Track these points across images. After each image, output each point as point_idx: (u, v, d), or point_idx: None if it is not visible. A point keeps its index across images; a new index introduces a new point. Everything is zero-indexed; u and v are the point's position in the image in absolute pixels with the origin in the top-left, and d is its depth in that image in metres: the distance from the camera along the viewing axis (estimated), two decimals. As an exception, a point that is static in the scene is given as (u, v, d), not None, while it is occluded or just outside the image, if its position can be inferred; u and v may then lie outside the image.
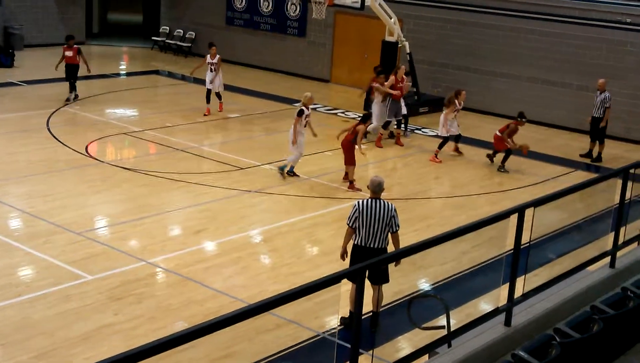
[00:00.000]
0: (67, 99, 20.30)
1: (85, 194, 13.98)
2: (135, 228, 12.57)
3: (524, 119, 16.95)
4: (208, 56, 19.84)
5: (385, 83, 18.30)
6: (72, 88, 20.46)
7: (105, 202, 13.84)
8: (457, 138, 18.06)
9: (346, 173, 15.32)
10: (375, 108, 18.52)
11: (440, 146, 17.59)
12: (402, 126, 19.30)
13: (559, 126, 21.45)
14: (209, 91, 19.91)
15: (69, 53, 20.17)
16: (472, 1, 22.78)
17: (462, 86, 22.85)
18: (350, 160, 15.06)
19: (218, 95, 20.01)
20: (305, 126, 15.33)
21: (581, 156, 18.89)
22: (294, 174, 15.52)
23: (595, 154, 18.72)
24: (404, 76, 18.75)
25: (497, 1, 22.42)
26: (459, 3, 23.00)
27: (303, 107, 15.29)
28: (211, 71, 19.72)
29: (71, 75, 20.38)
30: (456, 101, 17.70)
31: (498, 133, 17.16)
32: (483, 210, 13.99)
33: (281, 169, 15.52)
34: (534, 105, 21.22)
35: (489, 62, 22.65)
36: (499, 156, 17.25)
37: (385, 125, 18.84)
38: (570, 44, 21.26)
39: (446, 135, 17.59)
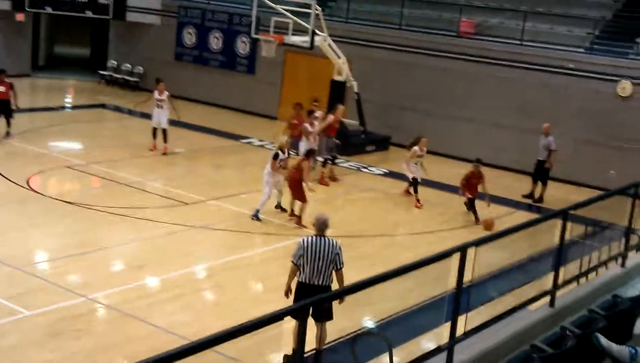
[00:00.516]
0: (7, 133, 19.88)
1: (26, 229, 13.70)
2: (77, 263, 12.34)
3: (478, 164, 17.08)
4: (156, 92, 19.69)
5: (327, 119, 18.42)
6: (8, 124, 19.94)
7: (46, 236, 13.59)
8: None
9: (292, 210, 15.31)
10: (302, 146, 17.92)
11: (414, 190, 17.59)
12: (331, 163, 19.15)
13: (505, 168, 21.82)
14: (155, 128, 19.73)
15: (0, 88, 19.54)
16: (421, 45, 23.18)
17: (409, 126, 23.21)
18: (300, 197, 15.03)
19: (164, 133, 19.77)
20: (279, 170, 15.23)
21: (523, 196, 19.24)
22: (258, 219, 15.23)
23: (537, 195, 19.09)
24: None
25: (446, 45, 22.86)
26: (408, 45, 23.37)
27: (279, 151, 15.25)
28: (158, 107, 19.56)
29: (3, 110, 19.74)
30: (416, 148, 17.77)
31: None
32: (427, 249, 14.08)
33: (255, 215, 15.21)
34: (481, 147, 21.54)
35: (437, 104, 23.00)
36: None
37: (324, 163, 18.68)
38: (516, 88, 21.74)
39: (411, 176, 17.61)
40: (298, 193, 14.99)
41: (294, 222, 15.09)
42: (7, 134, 19.86)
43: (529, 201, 19.07)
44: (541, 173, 19.05)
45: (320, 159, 18.55)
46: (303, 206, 15.07)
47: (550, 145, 18.80)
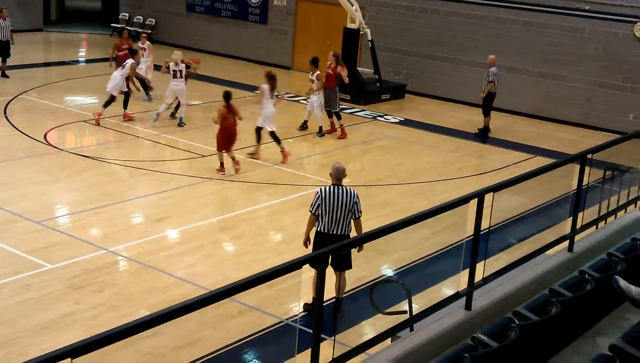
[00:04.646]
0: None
1: (45, 183, 13.81)
2: (96, 216, 12.45)
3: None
4: (139, 42, 20.45)
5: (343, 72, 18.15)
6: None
7: (65, 190, 13.70)
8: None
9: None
10: (317, 98, 17.70)
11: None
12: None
13: (523, 113, 21.67)
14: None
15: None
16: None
17: (424, 73, 23.05)
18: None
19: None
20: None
21: (479, 130, 19.37)
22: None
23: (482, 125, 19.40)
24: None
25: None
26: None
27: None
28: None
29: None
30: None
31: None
32: (443, 196, 14.09)
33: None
34: (498, 93, 21.33)
35: (451, 50, 22.78)
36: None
37: (338, 114, 18.23)
38: (529, 31, 21.47)
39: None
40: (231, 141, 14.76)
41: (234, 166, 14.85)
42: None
43: (488, 134, 19.30)
44: (483, 104, 19.17)
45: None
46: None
47: (488, 76, 18.77)
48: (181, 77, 17.68)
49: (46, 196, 13.22)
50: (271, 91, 15.69)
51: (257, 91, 16.23)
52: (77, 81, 21.95)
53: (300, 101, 21.31)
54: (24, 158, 15.04)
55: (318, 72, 17.53)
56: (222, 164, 14.79)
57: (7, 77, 21.05)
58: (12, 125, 16.92)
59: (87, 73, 23.46)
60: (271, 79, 15.67)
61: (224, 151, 14.73)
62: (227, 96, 14.67)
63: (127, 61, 18.17)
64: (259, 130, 15.86)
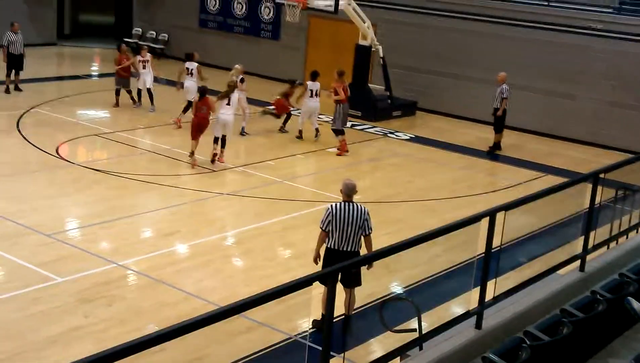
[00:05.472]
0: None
1: (56, 196, 13.85)
2: (107, 230, 12.47)
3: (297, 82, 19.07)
4: (138, 56, 20.62)
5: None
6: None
7: (76, 204, 13.73)
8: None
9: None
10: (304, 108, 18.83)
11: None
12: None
13: (532, 131, 21.63)
14: (140, 89, 20.65)
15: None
16: (447, 7, 22.92)
17: (435, 91, 23.07)
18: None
19: (149, 93, 20.42)
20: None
21: (490, 148, 19.31)
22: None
23: (492, 142, 19.31)
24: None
25: (472, 7, 22.56)
26: (433, 8, 23.12)
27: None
28: (143, 68, 20.30)
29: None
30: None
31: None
32: (454, 214, 14.03)
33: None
34: (509, 110, 21.36)
35: (462, 67, 22.78)
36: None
37: (340, 132, 18.13)
38: (543, 50, 21.44)
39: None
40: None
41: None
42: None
43: (498, 151, 19.23)
44: (495, 121, 19.10)
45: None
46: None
47: (502, 93, 18.72)
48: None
49: (57, 210, 13.25)
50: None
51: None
52: (90, 95, 22.04)
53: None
54: (36, 171, 15.10)
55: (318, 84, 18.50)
56: (192, 153, 15.96)
57: (21, 90, 21.17)
58: (25, 138, 16.99)
59: (100, 87, 23.54)
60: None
61: (194, 140, 15.91)
62: (202, 91, 16.12)
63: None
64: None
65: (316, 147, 18.26)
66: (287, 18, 21.52)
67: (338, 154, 17.82)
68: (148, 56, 20.46)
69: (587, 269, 7.97)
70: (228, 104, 16.28)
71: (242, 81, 18.59)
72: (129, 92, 20.52)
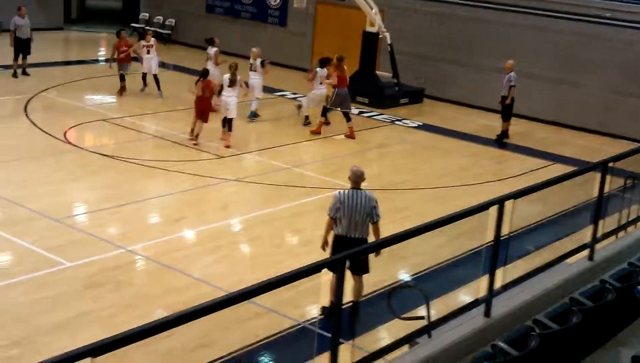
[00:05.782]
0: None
1: (64, 181, 13.87)
2: (115, 215, 12.49)
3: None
4: (142, 41, 20.48)
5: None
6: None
7: (84, 189, 13.75)
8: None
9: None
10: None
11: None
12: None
13: (540, 120, 21.56)
14: (145, 74, 20.42)
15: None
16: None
17: (443, 78, 22.99)
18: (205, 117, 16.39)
19: (156, 78, 20.31)
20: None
21: (497, 136, 19.23)
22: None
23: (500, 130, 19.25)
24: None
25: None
26: (440, -5, 23.04)
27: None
28: (148, 53, 20.10)
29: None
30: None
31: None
32: (461, 202, 14.01)
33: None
34: (516, 98, 21.28)
35: (469, 54, 22.70)
36: None
37: (324, 112, 18.32)
38: (552, 38, 21.35)
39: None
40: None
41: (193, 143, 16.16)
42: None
43: (506, 140, 19.17)
44: (503, 109, 19.03)
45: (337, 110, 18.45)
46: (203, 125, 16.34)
47: (510, 81, 18.67)
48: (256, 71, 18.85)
49: (65, 194, 13.27)
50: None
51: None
52: (96, 80, 22.03)
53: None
54: (44, 156, 15.11)
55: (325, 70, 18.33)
56: (192, 130, 16.42)
57: (28, 75, 21.18)
58: (32, 123, 17.01)
59: (106, 72, 23.49)
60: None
61: (198, 119, 16.31)
62: (202, 73, 16.66)
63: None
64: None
65: (323, 133, 18.23)
66: (295, 4, 21.49)
67: (312, 132, 18.11)
68: (152, 41, 20.34)
69: (596, 258, 7.97)
70: (230, 86, 16.38)
71: (262, 64, 18.62)
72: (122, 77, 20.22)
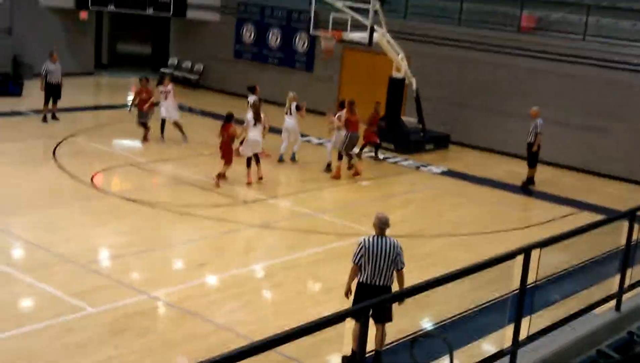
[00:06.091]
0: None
1: (90, 226, 13.96)
2: (139, 260, 12.52)
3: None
4: (161, 86, 20.66)
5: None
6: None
7: (110, 234, 13.81)
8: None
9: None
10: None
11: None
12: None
13: (567, 166, 21.42)
14: (163, 120, 20.47)
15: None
16: (481, 40, 22.91)
17: (468, 124, 23.00)
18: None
19: (178, 125, 20.46)
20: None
21: (523, 183, 19.11)
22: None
23: (526, 177, 19.14)
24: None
25: (506, 40, 22.53)
26: (467, 41, 23.12)
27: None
28: (164, 99, 20.21)
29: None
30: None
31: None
32: (487, 249, 13.90)
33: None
34: (543, 144, 21.22)
35: (495, 101, 22.71)
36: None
37: (340, 157, 18.43)
38: (579, 85, 21.30)
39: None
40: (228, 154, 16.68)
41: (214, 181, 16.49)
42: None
43: (532, 187, 19.02)
44: (529, 156, 18.93)
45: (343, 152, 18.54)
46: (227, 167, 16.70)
47: (536, 127, 18.56)
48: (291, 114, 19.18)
49: (90, 239, 13.34)
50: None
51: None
52: (125, 125, 22.27)
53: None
54: (70, 200, 15.25)
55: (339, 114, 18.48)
56: (218, 175, 16.67)
57: (57, 119, 21.48)
58: (60, 167, 17.20)
59: (135, 117, 23.78)
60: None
61: (225, 162, 16.69)
62: (226, 117, 16.90)
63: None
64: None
65: (347, 179, 18.25)
66: (322, 48, 21.66)
67: (332, 177, 18.24)
68: (170, 86, 20.25)
69: (623, 309, 7.83)
70: (255, 125, 16.73)
71: (297, 108, 18.80)
72: (143, 124, 20.24)
